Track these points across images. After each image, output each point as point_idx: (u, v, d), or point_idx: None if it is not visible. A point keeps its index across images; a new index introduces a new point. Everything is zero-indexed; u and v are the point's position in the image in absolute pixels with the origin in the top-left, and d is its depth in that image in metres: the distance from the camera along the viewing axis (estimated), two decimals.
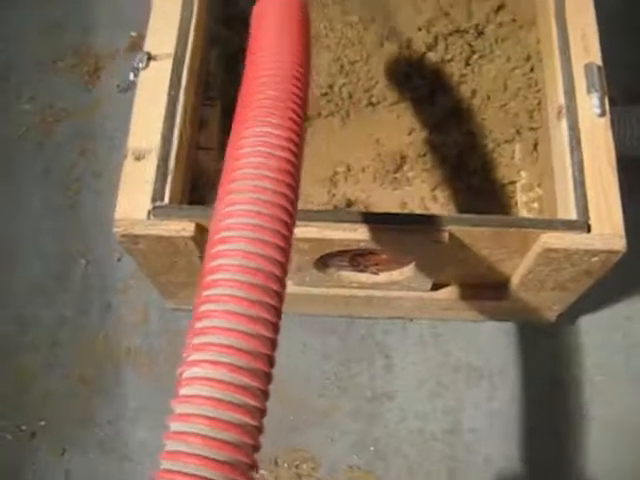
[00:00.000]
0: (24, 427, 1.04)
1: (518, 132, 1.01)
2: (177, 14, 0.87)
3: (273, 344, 0.46)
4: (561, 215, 0.83)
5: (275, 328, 0.47)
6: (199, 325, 0.45)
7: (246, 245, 0.47)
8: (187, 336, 0.46)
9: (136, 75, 0.83)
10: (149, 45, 0.85)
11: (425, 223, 0.77)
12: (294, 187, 0.52)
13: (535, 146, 1.00)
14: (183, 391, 0.44)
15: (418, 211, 0.98)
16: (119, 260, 1.13)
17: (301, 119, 0.56)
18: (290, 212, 0.50)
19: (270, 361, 0.46)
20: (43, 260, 1.14)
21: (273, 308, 0.47)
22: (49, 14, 1.33)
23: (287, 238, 0.50)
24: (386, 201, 0.99)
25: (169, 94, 0.81)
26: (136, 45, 1.27)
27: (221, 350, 0.44)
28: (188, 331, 0.46)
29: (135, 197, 0.77)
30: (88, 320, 1.10)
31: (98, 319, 1.10)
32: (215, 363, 0.44)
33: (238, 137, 0.53)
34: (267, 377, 0.45)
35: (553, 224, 0.78)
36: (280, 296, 0.48)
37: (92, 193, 1.18)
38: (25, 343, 1.09)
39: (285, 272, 0.49)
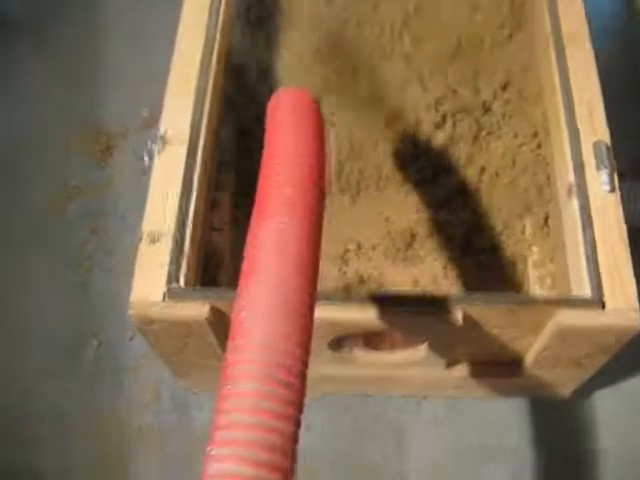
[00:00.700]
0: None
1: (528, 207, 1.01)
2: (191, 96, 0.87)
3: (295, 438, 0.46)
4: (574, 291, 0.82)
5: (297, 422, 0.46)
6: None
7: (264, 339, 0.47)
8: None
9: (151, 158, 0.84)
10: (164, 129, 0.85)
11: (438, 305, 0.77)
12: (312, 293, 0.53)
13: (546, 220, 1.00)
14: None
15: (430, 288, 0.98)
16: (131, 339, 1.12)
17: (317, 216, 0.57)
18: (311, 294, 0.52)
19: (293, 454, 0.46)
20: (54, 341, 1.13)
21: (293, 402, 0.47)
22: (60, 91, 1.35)
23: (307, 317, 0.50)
24: (398, 278, 0.99)
25: (184, 178, 0.82)
26: (148, 123, 1.29)
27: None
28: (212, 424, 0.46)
29: (150, 279, 0.77)
30: (99, 398, 1.09)
31: (109, 397, 1.09)
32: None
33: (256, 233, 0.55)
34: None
35: (567, 302, 0.77)
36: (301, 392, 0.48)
37: (103, 271, 1.18)
38: (33, 420, 1.08)
39: (306, 365, 0.49)
